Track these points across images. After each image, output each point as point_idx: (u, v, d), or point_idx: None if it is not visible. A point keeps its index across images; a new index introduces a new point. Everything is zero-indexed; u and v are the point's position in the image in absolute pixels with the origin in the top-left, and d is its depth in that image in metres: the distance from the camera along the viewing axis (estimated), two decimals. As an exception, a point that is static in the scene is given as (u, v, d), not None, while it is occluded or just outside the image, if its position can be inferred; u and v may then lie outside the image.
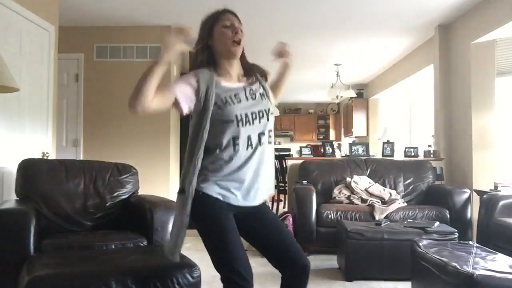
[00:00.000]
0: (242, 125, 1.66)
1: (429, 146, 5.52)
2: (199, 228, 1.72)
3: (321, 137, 12.17)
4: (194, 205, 1.65)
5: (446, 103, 5.33)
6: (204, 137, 1.65)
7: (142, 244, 2.66)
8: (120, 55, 5.45)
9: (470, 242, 2.84)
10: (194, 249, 4.51)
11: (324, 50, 6.53)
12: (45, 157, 3.77)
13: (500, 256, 2.46)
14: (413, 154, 5.67)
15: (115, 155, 4.92)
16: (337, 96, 8.03)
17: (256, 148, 1.69)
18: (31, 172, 2.99)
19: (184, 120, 5.96)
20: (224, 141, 1.65)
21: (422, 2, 4.62)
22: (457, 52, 5.13)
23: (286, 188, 6.66)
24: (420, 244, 2.77)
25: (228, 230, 1.65)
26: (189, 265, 2.11)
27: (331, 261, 3.94)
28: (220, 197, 1.66)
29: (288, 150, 11.70)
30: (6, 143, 3.40)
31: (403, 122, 8.30)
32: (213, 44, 1.75)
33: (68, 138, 5.39)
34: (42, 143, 3.86)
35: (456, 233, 3.45)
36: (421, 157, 5.55)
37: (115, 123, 5.40)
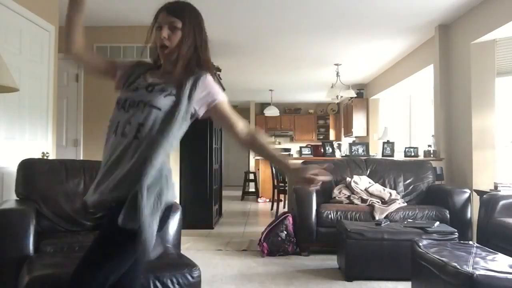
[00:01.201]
0: (117, 109, 1.60)
1: (429, 146, 5.52)
2: None
3: (321, 137, 12.17)
4: None
5: (446, 103, 5.33)
6: None
7: (142, 244, 2.66)
8: (120, 55, 5.45)
9: (470, 242, 2.84)
10: (194, 249, 4.52)
11: (324, 50, 6.53)
12: (45, 157, 3.77)
13: (500, 256, 2.46)
14: (413, 154, 5.68)
15: (115, 155, 4.93)
16: (337, 96, 8.02)
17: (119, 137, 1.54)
18: (31, 172, 2.99)
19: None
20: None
21: (422, 2, 4.62)
22: (457, 52, 5.13)
23: (286, 188, 6.67)
24: (420, 244, 2.77)
25: None
26: (189, 265, 2.11)
27: (331, 261, 3.95)
28: None
29: (288, 150, 11.71)
30: (6, 143, 3.40)
31: (403, 122, 8.29)
32: None
33: (68, 138, 5.39)
34: (42, 143, 3.86)
35: (456, 233, 3.45)
36: (421, 157, 5.55)
37: (115, 123, 5.40)
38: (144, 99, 1.55)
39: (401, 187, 4.66)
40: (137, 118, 1.52)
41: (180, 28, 1.60)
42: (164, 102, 1.54)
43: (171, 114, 1.53)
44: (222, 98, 1.62)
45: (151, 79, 1.64)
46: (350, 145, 6.49)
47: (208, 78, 1.60)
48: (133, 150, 1.50)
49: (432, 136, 5.63)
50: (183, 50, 1.60)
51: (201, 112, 1.63)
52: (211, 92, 1.60)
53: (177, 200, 5.73)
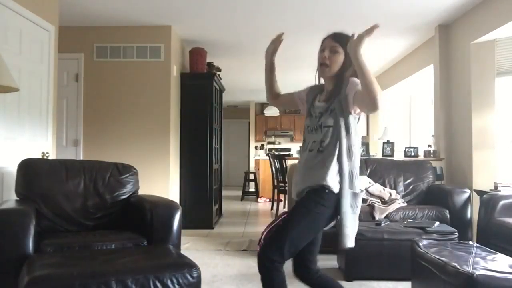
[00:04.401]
0: (307, 132, 2.06)
1: (429, 146, 5.52)
2: None
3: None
4: None
5: (446, 103, 5.33)
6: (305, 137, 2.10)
7: (142, 244, 2.66)
8: (120, 55, 5.45)
9: (470, 242, 2.84)
10: (194, 249, 4.52)
11: (324, 50, 6.52)
12: (45, 157, 3.77)
13: (500, 256, 2.46)
14: (413, 154, 5.67)
15: (115, 155, 4.93)
16: (337, 96, 8.01)
17: (306, 152, 2.03)
18: (31, 172, 2.99)
19: (184, 120, 5.96)
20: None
21: (422, 2, 4.62)
22: (457, 52, 5.13)
23: (286, 188, 6.66)
24: (420, 244, 2.77)
25: None
26: (189, 265, 2.11)
27: (331, 261, 3.94)
28: None
29: (288, 150, 11.71)
30: (6, 143, 3.40)
31: (403, 122, 8.30)
32: None
33: (68, 138, 5.39)
34: (42, 143, 3.86)
35: (456, 233, 3.45)
36: (421, 157, 5.55)
37: (115, 123, 5.41)
38: (319, 123, 1.98)
39: (401, 187, 4.66)
40: (319, 137, 1.97)
41: (340, 53, 1.97)
42: (331, 120, 1.94)
43: (338, 127, 1.92)
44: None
45: (319, 103, 2.06)
46: (350, 145, 6.48)
47: (350, 82, 1.91)
48: (319, 160, 1.95)
49: (432, 136, 5.63)
50: (347, 73, 1.95)
51: (358, 110, 1.92)
52: (352, 89, 1.89)
53: (177, 200, 5.74)
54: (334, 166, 1.90)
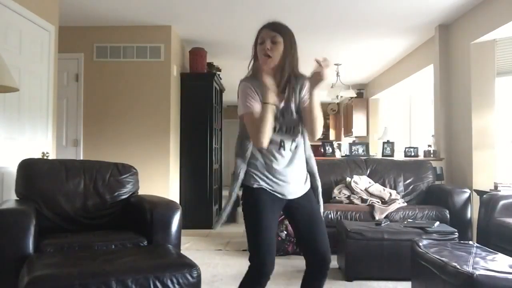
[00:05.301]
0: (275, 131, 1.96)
1: (429, 146, 5.53)
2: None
3: (321, 137, 12.10)
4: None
5: (446, 103, 5.33)
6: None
7: (142, 244, 2.66)
8: (120, 55, 5.45)
9: (470, 242, 2.84)
10: (194, 249, 4.52)
11: (324, 50, 6.53)
12: (45, 157, 3.77)
13: (500, 256, 2.46)
14: (413, 154, 5.68)
15: (115, 155, 4.93)
16: (337, 96, 8.03)
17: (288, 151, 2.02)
18: (31, 172, 2.99)
19: (184, 120, 5.96)
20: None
21: (422, 2, 4.62)
22: (457, 52, 5.13)
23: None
24: (420, 244, 2.77)
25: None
26: (189, 265, 2.11)
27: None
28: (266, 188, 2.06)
29: (288, 150, 11.67)
30: (6, 143, 3.40)
31: (403, 122, 8.30)
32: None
33: (68, 138, 5.39)
34: (42, 143, 3.86)
35: (456, 233, 3.45)
36: (421, 157, 5.55)
37: (115, 123, 5.41)
38: (294, 124, 1.99)
39: (401, 187, 4.66)
40: (291, 137, 2.01)
41: (280, 42, 1.90)
42: (298, 120, 2.01)
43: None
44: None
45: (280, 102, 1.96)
46: (350, 145, 6.49)
47: (305, 84, 1.99)
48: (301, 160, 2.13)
49: (432, 136, 5.63)
50: (288, 61, 1.92)
51: None
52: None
53: (177, 200, 5.74)
54: (304, 165, 2.17)
